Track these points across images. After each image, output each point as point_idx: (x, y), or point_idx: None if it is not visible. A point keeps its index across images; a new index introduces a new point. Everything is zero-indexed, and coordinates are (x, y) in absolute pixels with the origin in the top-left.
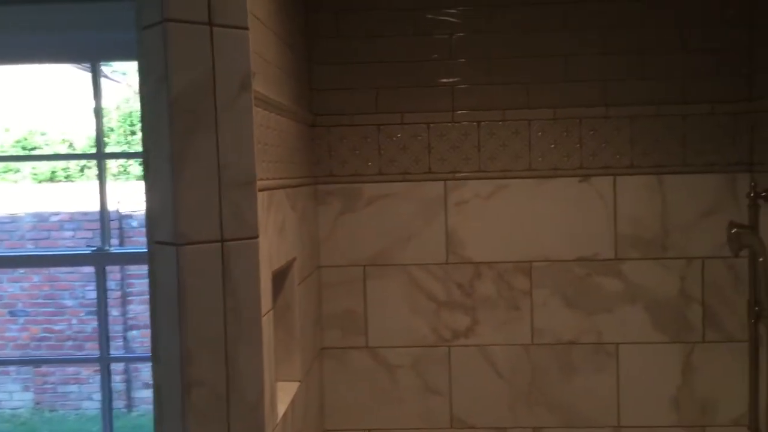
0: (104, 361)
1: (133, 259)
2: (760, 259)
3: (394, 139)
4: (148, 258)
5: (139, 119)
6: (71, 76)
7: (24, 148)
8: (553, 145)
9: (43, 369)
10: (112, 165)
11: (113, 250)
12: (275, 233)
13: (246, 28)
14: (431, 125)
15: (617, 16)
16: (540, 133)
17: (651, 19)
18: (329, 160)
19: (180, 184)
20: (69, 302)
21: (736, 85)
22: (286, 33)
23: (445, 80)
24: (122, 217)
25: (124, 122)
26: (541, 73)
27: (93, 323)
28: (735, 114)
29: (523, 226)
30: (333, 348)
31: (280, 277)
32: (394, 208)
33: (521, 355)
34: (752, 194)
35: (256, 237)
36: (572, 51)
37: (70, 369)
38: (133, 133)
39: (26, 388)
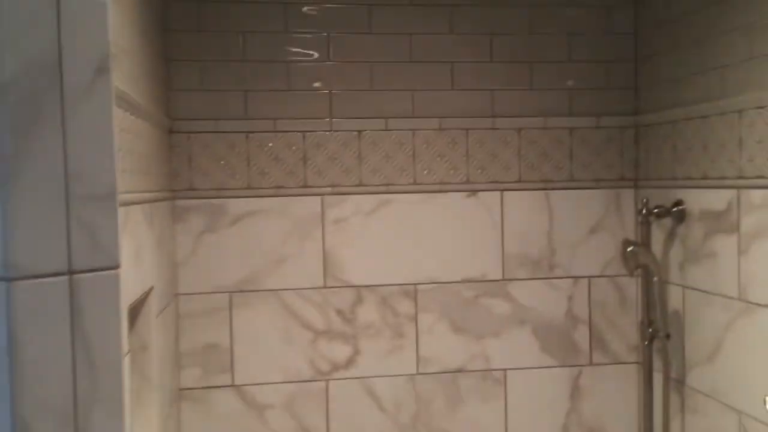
0: None
1: None
2: (655, 279)
3: (266, 148)
4: None
5: None
6: None
7: None
8: (439, 158)
9: None
10: None
11: None
12: (131, 259)
13: None
14: (307, 134)
15: (505, 23)
16: (425, 145)
17: (539, 28)
18: (189, 172)
19: (12, 198)
20: None
21: (622, 98)
22: (142, 21)
23: (322, 84)
24: None
25: None
26: (427, 80)
27: None
28: (621, 128)
29: (407, 246)
30: (192, 389)
31: (134, 312)
32: (265, 226)
33: (406, 386)
34: (644, 211)
35: (117, 267)
36: (459, 57)
37: None
38: None
39: None
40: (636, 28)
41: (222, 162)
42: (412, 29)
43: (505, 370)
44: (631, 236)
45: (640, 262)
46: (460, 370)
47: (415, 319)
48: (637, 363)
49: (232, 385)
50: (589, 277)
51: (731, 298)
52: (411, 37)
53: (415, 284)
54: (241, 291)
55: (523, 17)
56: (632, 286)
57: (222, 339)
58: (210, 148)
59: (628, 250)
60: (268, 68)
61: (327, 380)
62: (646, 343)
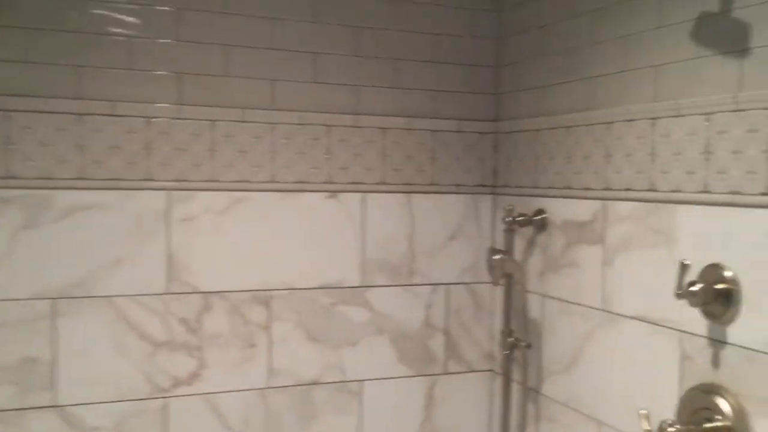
0: None
1: None
2: (518, 287)
3: (102, 134)
4: None
5: None
6: None
7: None
8: (299, 155)
9: None
10: None
11: None
12: None
13: None
14: (152, 120)
15: (371, 15)
16: (285, 140)
17: (405, 25)
18: (7, 157)
19: None
20: None
21: (483, 103)
22: None
23: (171, 66)
24: None
25: None
26: (288, 71)
27: None
28: (481, 133)
29: (262, 249)
30: (4, 410)
31: None
32: (99, 223)
33: (255, 401)
34: (509, 219)
35: None
36: (323, 49)
37: None
38: None
39: None
40: (499, 33)
41: (48, 147)
42: (273, 13)
43: (361, 381)
44: (488, 243)
45: (507, 270)
46: (314, 383)
47: (268, 328)
48: (490, 371)
49: (53, 406)
50: (447, 284)
51: (593, 308)
52: (272, 22)
53: (269, 290)
54: (68, 297)
55: (390, 12)
56: (487, 294)
57: (42, 352)
58: (32, 130)
59: (495, 258)
60: (107, 42)
61: (166, 398)
62: (506, 352)
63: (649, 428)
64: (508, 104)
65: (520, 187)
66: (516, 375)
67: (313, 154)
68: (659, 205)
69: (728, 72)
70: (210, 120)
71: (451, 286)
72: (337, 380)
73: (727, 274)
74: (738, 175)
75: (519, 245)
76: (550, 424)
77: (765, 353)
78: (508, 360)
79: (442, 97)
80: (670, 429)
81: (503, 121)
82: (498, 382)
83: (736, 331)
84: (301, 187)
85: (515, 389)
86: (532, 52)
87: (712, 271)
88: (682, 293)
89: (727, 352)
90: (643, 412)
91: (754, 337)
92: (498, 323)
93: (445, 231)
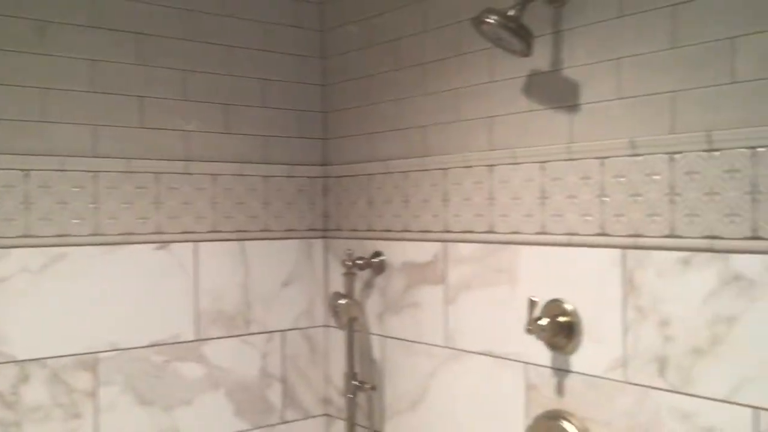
0: None
1: None
2: (361, 331)
3: None
4: None
5: None
6: None
7: None
8: (125, 205)
9: None
10: None
11: None
12: None
13: None
14: None
15: (199, 58)
16: (109, 189)
17: (233, 68)
18: None
19: None
20: None
21: (312, 148)
22: None
23: None
24: None
25: None
26: (112, 116)
27: None
28: (311, 178)
29: (86, 308)
30: None
31: None
32: None
33: None
34: (349, 262)
35: None
36: (148, 92)
37: None
38: None
39: None
40: (325, 80)
41: None
42: (95, 54)
43: None
44: (321, 288)
45: (352, 314)
46: None
47: (93, 394)
48: (326, 415)
49: None
50: (283, 330)
51: (437, 346)
52: (93, 63)
53: (94, 353)
54: None
55: (218, 56)
56: (321, 338)
57: None
58: None
59: (340, 302)
60: None
61: None
62: (350, 395)
63: None
64: (338, 149)
65: (354, 230)
66: (360, 418)
67: (140, 203)
68: (500, 246)
69: (560, 124)
70: (25, 170)
71: (287, 332)
72: None
73: (568, 307)
74: (573, 218)
75: (357, 288)
76: None
77: (605, 379)
78: (352, 403)
79: (273, 142)
80: None
81: (333, 165)
82: (336, 427)
83: (578, 360)
84: (127, 239)
85: None
86: (361, 99)
87: (554, 306)
88: (532, 328)
89: (570, 380)
90: None
91: (595, 365)
92: (333, 367)
93: (279, 277)
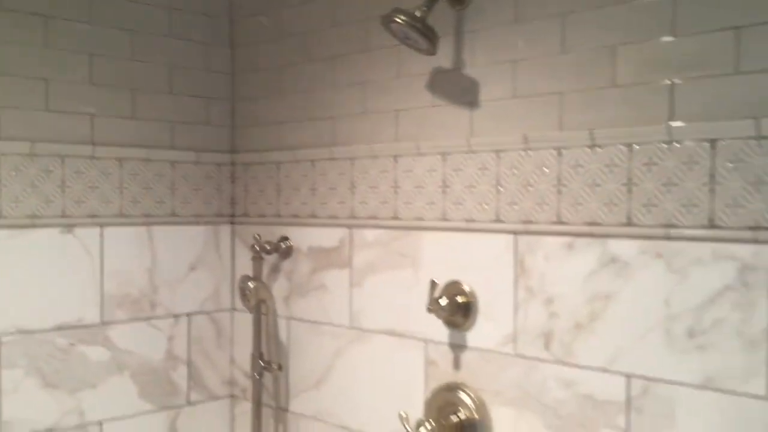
0: None
1: None
2: (269, 313)
3: None
4: None
5: None
6: None
7: None
8: (29, 188)
9: None
10: None
11: None
12: None
13: None
14: None
15: (106, 44)
16: (14, 173)
17: (141, 55)
18: None
19: None
20: None
21: (220, 135)
22: None
23: None
24: None
25: None
26: (16, 98)
27: None
28: (219, 165)
29: None
30: None
31: None
32: None
33: None
34: (257, 247)
35: None
36: (54, 75)
37: None
38: None
39: None
40: (234, 69)
41: None
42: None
43: (100, 422)
44: (228, 272)
45: (261, 296)
46: (51, 430)
47: None
48: (231, 396)
49: None
50: (189, 314)
51: (342, 326)
52: None
53: None
54: None
55: (126, 41)
56: (227, 322)
57: None
58: None
59: (250, 285)
60: None
61: None
62: (257, 375)
63: (410, 428)
64: (246, 137)
65: (262, 216)
66: (267, 397)
67: (45, 186)
68: (404, 231)
69: (461, 119)
70: None
71: (193, 316)
72: (74, 424)
73: (466, 288)
74: (471, 206)
75: (265, 272)
76: None
77: (497, 353)
78: (258, 383)
79: (181, 128)
80: (426, 425)
81: (241, 153)
82: (240, 407)
83: (473, 337)
84: (32, 222)
85: (265, 411)
86: (270, 89)
87: (453, 287)
88: (433, 308)
89: (466, 355)
90: (403, 414)
91: (489, 340)
92: (238, 350)
93: (185, 261)
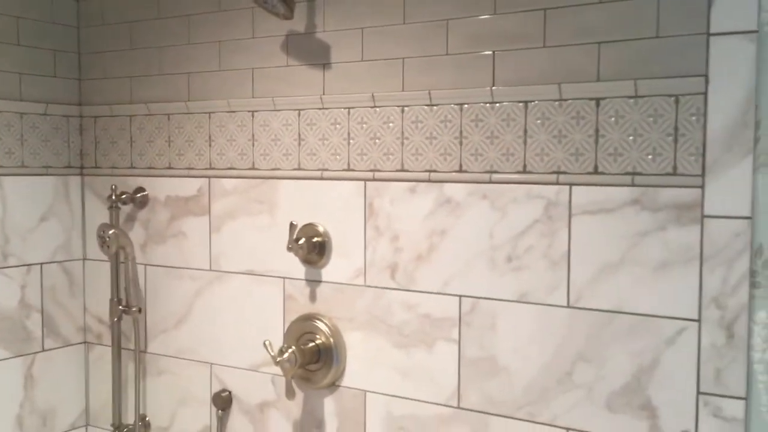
0: None
1: None
2: (128, 260)
3: None
4: None
5: None
6: None
7: None
8: None
9: None
10: None
11: None
12: None
13: None
14: None
15: None
16: None
17: None
18: None
19: None
20: None
21: (69, 88)
22: None
23: None
24: None
25: None
26: None
27: None
28: (67, 116)
29: None
30: None
31: None
32: None
33: None
34: (113, 196)
35: None
36: None
37: None
38: None
39: None
40: (80, 23)
41: None
42: None
43: None
44: (79, 222)
45: (121, 244)
46: None
47: None
48: (84, 343)
49: None
50: (41, 263)
51: (202, 270)
52: None
53: None
54: None
55: None
56: (79, 270)
57: None
58: None
59: (110, 233)
60: None
61: None
62: (115, 320)
63: (273, 353)
64: (96, 90)
65: (114, 167)
66: (124, 341)
67: None
68: (261, 180)
69: (315, 79)
70: None
71: (45, 265)
72: None
73: (321, 229)
74: (325, 157)
75: (120, 222)
76: (160, 376)
77: (350, 285)
78: (117, 327)
79: (28, 80)
80: (288, 351)
81: (91, 106)
82: (94, 352)
83: (328, 272)
84: None
85: (124, 354)
86: (120, 44)
87: (309, 229)
88: (292, 247)
89: (322, 288)
90: (267, 342)
91: (342, 275)
92: (91, 297)
93: (36, 212)
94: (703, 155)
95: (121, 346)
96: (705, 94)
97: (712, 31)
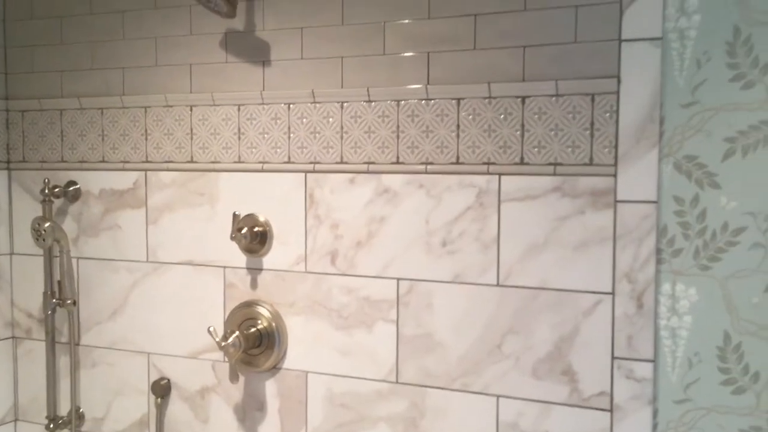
0: None
1: None
2: (63, 252)
3: None
4: None
5: None
6: None
7: None
8: None
9: None
10: None
11: None
12: None
13: None
14: None
15: None
16: None
17: None
18: None
19: None
20: None
21: None
22: None
23: None
24: None
25: None
26: None
27: None
28: None
29: None
30: None
31: None
32: None
33: None
34: (46, 190)
35: None
36: None
37: None
38: None
39: None
40: (5, 15)
41: None
42: None
43: None
44: (6, 218)
45: (56, 236)
46: None
47: None
48: (12, 338)
49: None
50: None
51: (139, 261)
52: None
53: None
54: None
55: None
56: (5, 265)
57: None
58: None
59: (46, 226)
60: None
61: None
62: (49, 312)
63: (218, 339)
64: (23, 84)
65: (44, 162)
66: (57, 335)
67: None
68: (201, 173)
69: (255, 75)
70: None
71: None
72: None
73: (262, 219)
74: (266, 150)
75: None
76: (94, 368)
77: (291, 272)
78: (51, 320)
79: None
80: (233, 335)
81: (18, 100)
82: (23, 347)
83: (269, 260)
84: None
85: (58, 347)
86: (49, 38)
87: (251, 219)
88: (235, 236)
89: (263, 276)
90: (211, 328)
91: (282, 263)
92: (19, 292)
93: None
94: (616, 147)
95: (57, 340)
96: (617, 93)
97: (623, 37)
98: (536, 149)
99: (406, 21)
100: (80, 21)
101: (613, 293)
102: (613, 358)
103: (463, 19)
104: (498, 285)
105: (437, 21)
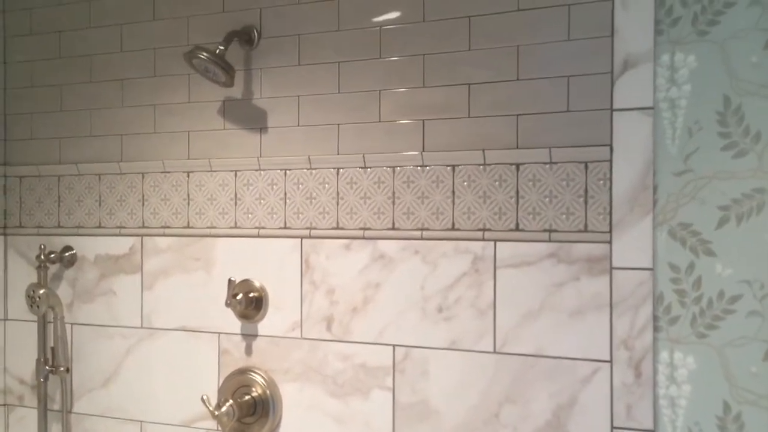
0: None
1: None
2: (58, 318)
3: None
4: None
5: None
6: None
7: None
8: None
9: None
10: None
11: None
12: None
13: None
14: None
15: None
16: None
17: None
18: None
19: None
20: None
21: None
22: None
23: None
24: None
25: None
26: None
27: None
28: None
29: None
30: None
31: None
32: None
33: None
34: (42, 256)
35: None
36: None
37: None
38: None
39: None
40: (6, 84)
41: None
42: None
43: None
44: (1, 282)
45: (51, 303)
46: None
47: None
48: (4, 405)
49: None
50: None
51: (133, 327)
52: None
53: None
54: None
55: None
56: (0, 331)
57: None
58: None
59: (40, 293)
60: None
61: None
62: (42, 380)
63: (211, 408)
64: (22, 151)
65: (40, 227)
66: (49, 402)
67: None
68: (197, 238)
69: (252, 142)
70: None
71: None
72: None
73: (257, 285)
74: (262, 215)
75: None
76: None
77: (286, 338)
78: (44, 387)
79: None
80: (227, 404)
81: (15, 166)
82: (15, 414)
83: (264, 326)
84: None
85: (50, 415)
86: (49, 106)
87: (246, 285)
88: (230, 302)
89: (258, 342)
90: (205, 396)
91: (277, 329)
92: (12, 359)
93: None
94: (610, 214)
95: (49, 408)
96: (610, 161)
97: (615, 107)
98: (531, 216)
99: (402, 89)
100: (80, 89)
101: (610, 361)
102: (612, 428)
103: (458, 87)
104: (494, 352)
105: (432, 90)
